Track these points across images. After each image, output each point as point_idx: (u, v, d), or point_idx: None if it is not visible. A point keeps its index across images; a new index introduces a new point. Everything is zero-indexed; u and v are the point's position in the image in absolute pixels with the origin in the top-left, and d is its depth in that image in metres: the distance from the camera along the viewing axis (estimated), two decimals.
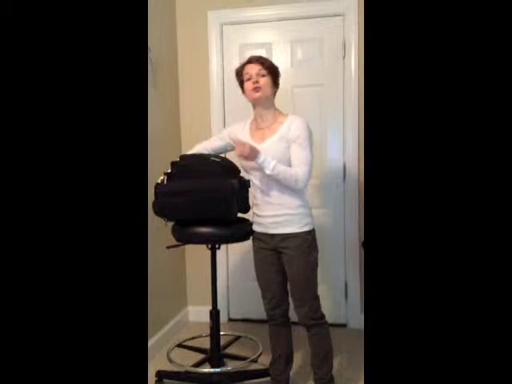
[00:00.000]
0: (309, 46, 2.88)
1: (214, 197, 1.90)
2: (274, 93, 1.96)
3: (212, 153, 2.08)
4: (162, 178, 2.02)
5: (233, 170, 2.00)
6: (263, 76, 1.89)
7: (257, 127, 1.96)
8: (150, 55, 2.56)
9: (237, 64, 2.92)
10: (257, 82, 1.88)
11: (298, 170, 1.83)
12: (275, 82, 1.94)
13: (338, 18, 2.82)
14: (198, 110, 3.01)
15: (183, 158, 2.07)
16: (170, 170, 2.03)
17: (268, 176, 1.83)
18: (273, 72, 1.92)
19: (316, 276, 1.95)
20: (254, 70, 1.90)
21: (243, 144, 1.81)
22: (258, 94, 1.89)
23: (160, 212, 2.01)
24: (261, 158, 1.80)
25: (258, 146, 1.86)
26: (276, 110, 1.96)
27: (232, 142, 2.04)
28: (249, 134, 1.97)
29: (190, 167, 2.00)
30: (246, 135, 1.97)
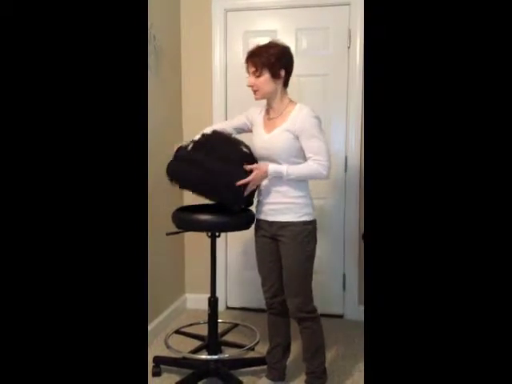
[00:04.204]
0: (314, 34, 2.86)
1: (227, 183, 1.86)
2: (285, 81, 1.89)
3: (232, 131, 2.06)
4: (188, 142, 1.97)
5: (252, 162, 1.97)
6: (258, 76, 1.84)
7: (268, 118, 1.94)
8: (154, 43, 2.54)
9: (240, 51, 2.93)
10: (253, 85, 1.86)
11: (313, 162, 1.82)
12: (277, 74, 1.84)
13: (344, 7, 2.79)
14: (200, 97, 2.99)
15: (215, 133, 2.00)
16: (197, 139, 1.98)
17: (290, 180, 1.85)
18: (272, 65, 1.82)
19: (311, 268, 1.93)
20: (250, 69, 1.86)
21: (252, 173, 1.84)
22: (256, 97, 1.90)
23: (172, 175, 1.96)
24: (271, 173, 1.84)
25: (268, 135, 1.89)
26: (286, 98, 1.91)
27: (249, 124, 2.03)
28: (262, 123, 1.96)
29: (217, 145, 1.94)
30: (260, 124, 1.96)
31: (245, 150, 1.94)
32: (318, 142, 1.83)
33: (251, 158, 1.94)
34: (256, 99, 1.91)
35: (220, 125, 2.13)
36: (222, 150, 1.91)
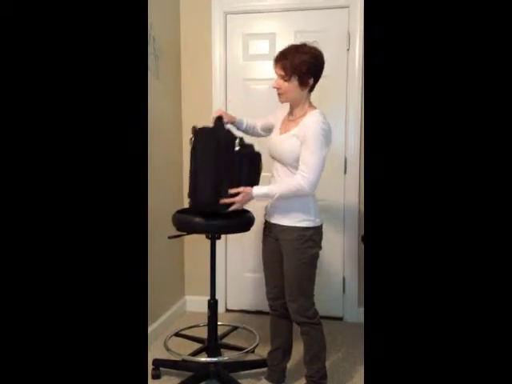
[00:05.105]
0: (313, 37, 2.79)
1: (213, 195, 1.88)
2: (311, 87, 1.85)
3: (261, 131, 2.10)
4: (239, 139, 1.90)
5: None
6: (285, 81, 1.80)
7: (288, 119, 1.93)
8: (154, 45, 2.54)
9: (240, 54, 2.94)
10: (279, 87, 1.83)
11: (298, 175, 1.78)
12: (306, 83, 1.80)
13: (343, 9, 2.79)
14: (200, 99, 2.99)
15: (257, 156, 1.98)
16: (243, 146, 1.92)
17: (276, 200, 1.85)
18: (302, 74, 1.78)
19: (311, 274, 1.90)
20: (277, 72, 1.82)
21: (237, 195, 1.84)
22: (281, 100, 1.88)
23: (196, 135, 1.98)
24: (256, 196, 1.84)
25: (279, 137, 1.89)
26: (307, 104, 1.88)
27: (274, 125, 2.01)
28: (281, 123, 1.95)
29: (245, 168, 1.92)
30: (279, 124, 1.96)
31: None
32: (312, 153, 1.75)
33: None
34: (281, 102, 1.89)
35: (254, 121, 2.12)
36: (237, 175, 1.90)
